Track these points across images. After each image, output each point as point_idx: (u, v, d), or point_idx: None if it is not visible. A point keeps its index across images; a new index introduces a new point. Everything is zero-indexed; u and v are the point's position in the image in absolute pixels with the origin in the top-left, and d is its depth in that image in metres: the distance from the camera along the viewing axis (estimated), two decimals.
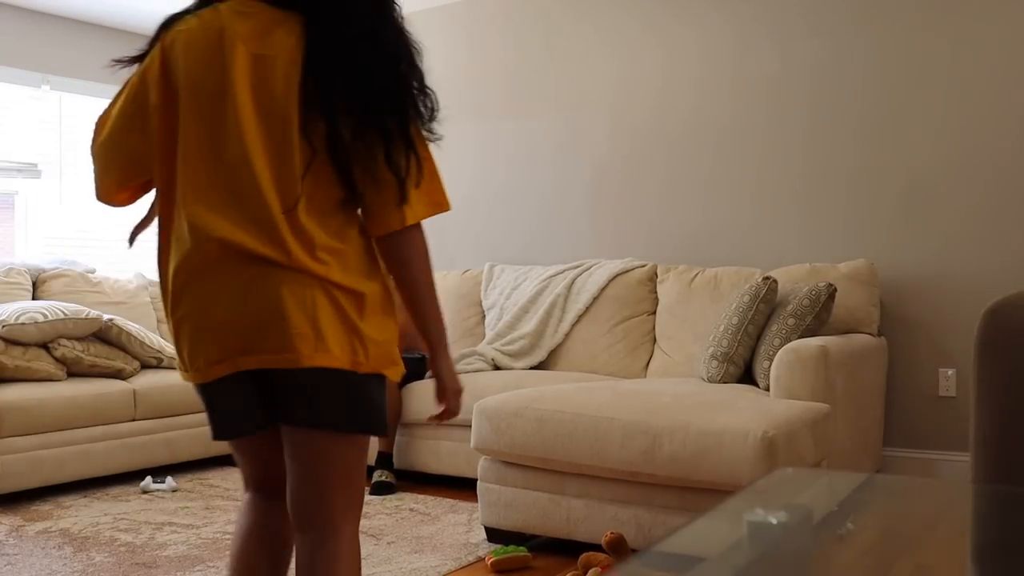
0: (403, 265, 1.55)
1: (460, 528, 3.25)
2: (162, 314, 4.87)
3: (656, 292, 4.19)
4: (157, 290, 4.95)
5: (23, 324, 3.81)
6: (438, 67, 1.63)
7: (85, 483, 4.05)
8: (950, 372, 3.72)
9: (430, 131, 1.55)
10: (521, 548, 2.84)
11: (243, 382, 1.53)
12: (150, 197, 1.69)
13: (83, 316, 4.00)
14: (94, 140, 1.62)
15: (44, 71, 5.14)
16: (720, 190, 4.27)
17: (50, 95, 5.18)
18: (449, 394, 1.69)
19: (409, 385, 4.02)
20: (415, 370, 4.04)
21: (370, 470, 3.93)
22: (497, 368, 4.20)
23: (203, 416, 4.35)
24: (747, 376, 3.40)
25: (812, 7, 4.04)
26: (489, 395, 3.53)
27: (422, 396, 3.93)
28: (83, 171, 5.34)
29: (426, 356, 4.41)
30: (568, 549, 2.97)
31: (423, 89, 1.53)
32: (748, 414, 2.65)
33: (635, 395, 2.93)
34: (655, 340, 4.12)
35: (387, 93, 1.49)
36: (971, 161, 3.70)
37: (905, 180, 3.83)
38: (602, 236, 4.63)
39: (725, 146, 4.27)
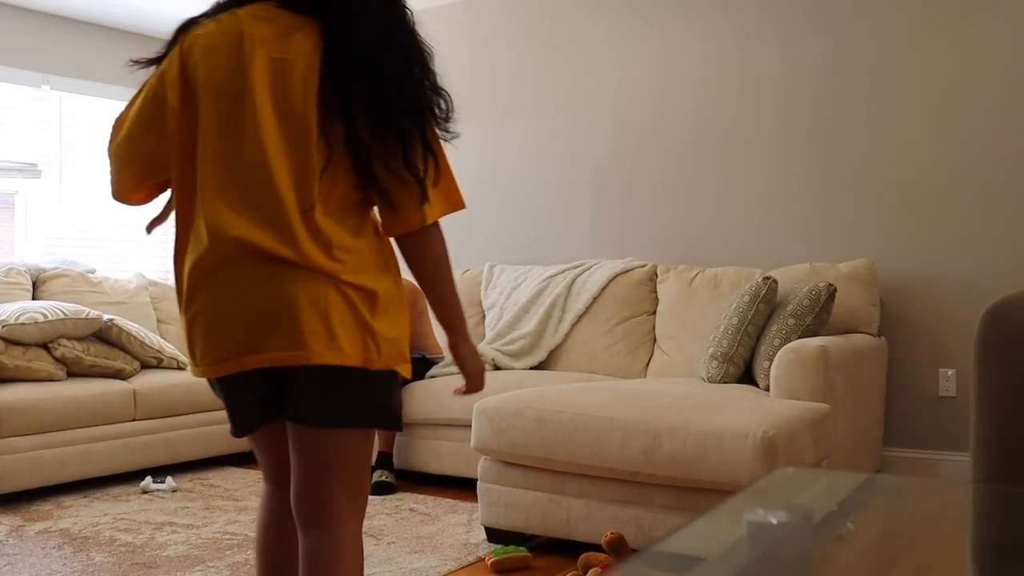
0: (425, 262, 1.61)
1: (460, 528, 3.25)
2: (162, 314, 4.88)
3: (656, 292, 4.19)
4: (157, 290, 4.95)
5: (23, 324, 3.81)
6: (438, 67, 1.68)
7: (85, 483, 4.05)
8: (950, 372, 3.72)
9: (446, 130, 1.59)
10: (521, 548, 2.84)
11: (255, 379, 1.55)
12: (165, 196, 1.72)
13: (83, 316, 4.00)
14: (111, 141, 1.65)
15: (44, 71, 5.14)
16: (720, 190, 4.27)
17: (50, 95, 5.18)
18: (472, 375, 1.74)
19: (409, 385, 4.02)
20: (415, 370, 4.04)
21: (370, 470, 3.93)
22: (497, 368, 4.20)
23: (203, 416, 4.35)
24: (747, 376, 3.40)
25: (813, 7, 4.04)
26: (489, 395, 3.53)
27: (422, 396, 3.93)
28: (83, 171, 5.34)
29: (425, 356, 4.42)
30: (568, 549, 2.97)
31: (437, 89, 1.58)
32: (748, 414, 2.65)
33: (635, 395, 2.93)
34: (655, 340, 4.12)
35: (403, 95, 1.53)
36: (971, 161, 3.70)
37: (906, 180, 3.83)
38: (602, 236, 4.63)
39: (725, 146, 4.27)
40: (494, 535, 3.07)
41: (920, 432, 3.77)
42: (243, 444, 4.55)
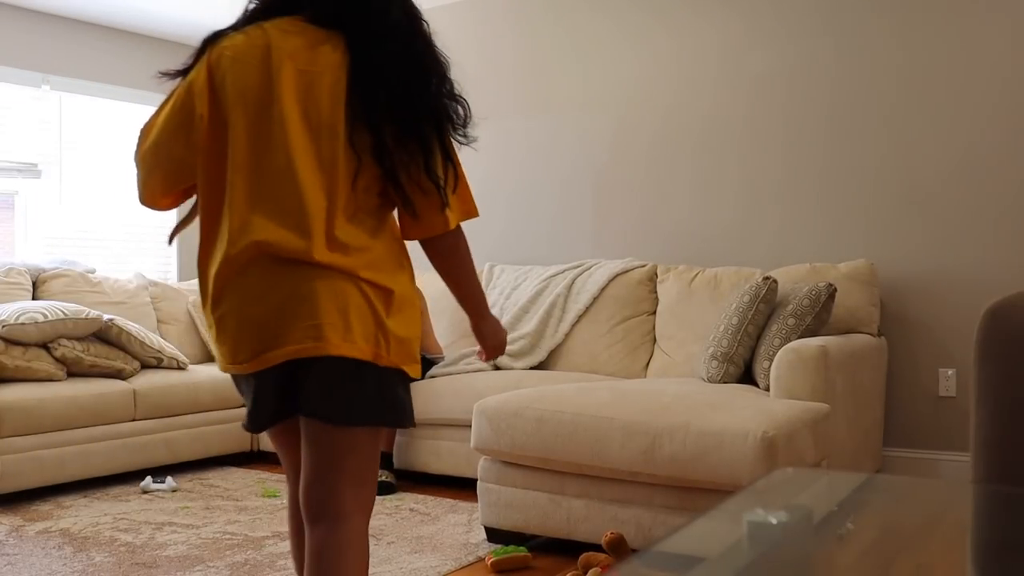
0: (449, 262, 1.72)
1: (460, 528, 3.25)
2: (162, 314, 4.88)
3: (656, 292, 4.19)
4: (157, 290, 4.95)
5: (23, 324, 3.81)
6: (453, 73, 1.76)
7: (85, 483, 4.05)
8: (950, 372, 3.72)
9: (465, 136, 1.67)
10: (521, 548, 2.84)
11: (275, 375, 1.61)
12: (191, 201, 1.78)
13: (83, 316, 4.00)
14: (138, 147, 1.71)
15: (44, 71, 5.14)
16: (720, 190, 4.27)
17: (50, 95, 5.18)
18: (492, 348, 1.85)
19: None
20: None
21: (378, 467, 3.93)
22: (497, 368, 4.20)
23: (203, 416, 4.35)
24: (747, 376, 3.40)
25: (812, 9, 4.04)
26: (489, 395, 3.53)
27: (422, 396, 3.93)
28: (83, 171, 5.34)
29: (425, 356, 4.42)
30: (568, 549, 2.97)
31: (455, 97, 1.66)
32: (748, 414, 2.65)
33: (635, 395, 2.93)
34: (655, 340, 4.12)
35: (424, 105, 1.61)
36: (971, 161, 3.70)
37: (905, 180, 3.84)
38: (602, 236, 4.63)
39: (725, 146, 4.27)
40: (494, 535, 3.07)
41: (920, 432, 3.77)
42: (243, 444, 4.55)
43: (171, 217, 5.20)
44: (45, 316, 3.87)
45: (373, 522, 3.32)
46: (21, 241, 5.11)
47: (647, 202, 4.49)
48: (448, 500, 3.67)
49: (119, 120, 5.51)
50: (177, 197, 1.76)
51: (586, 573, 2.64)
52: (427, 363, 4.16)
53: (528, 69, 4.88)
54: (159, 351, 4.31)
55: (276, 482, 4.04)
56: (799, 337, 3.21)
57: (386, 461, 3.93)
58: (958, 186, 3.72)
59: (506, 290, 4.58)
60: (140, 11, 5.18)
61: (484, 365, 4.18)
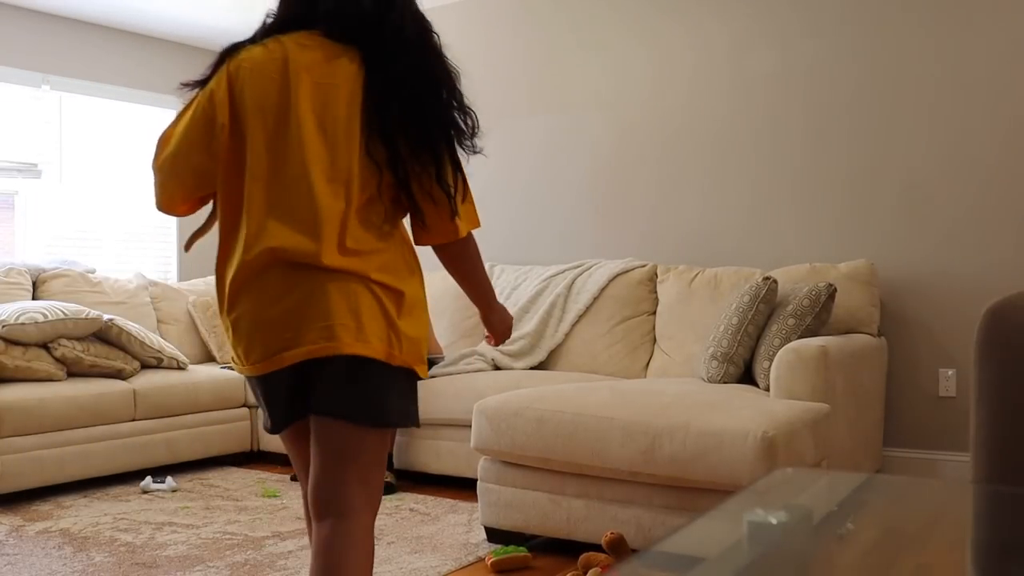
0: (459, 265, 1.80)
1: (460, 528, 3.25)
2: (162, 314, 4.89)
3: (656, 292, 4.19)
4: (157, 290, 4.96)
5: (23, 324, 3.81)
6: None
7: (85, 483, 4.05)
8: (950, 372, 3.72)
9: (472, 147, 1.74)
10: (521, 548, 2.84)
11: (290, 375, 1.66)
12: (207, 208, 1.83)
13: (83, 316, 4.00)
14: (156, 156, 1.75)
15: (44, 71, 5.14)
16: (720, 190, 4.27)
17: (50, 95, 5.18)
18: (500, 333, 1.96)
19: None
20: None
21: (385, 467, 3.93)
22: (497, 368, 4.20)
23: (203, 416, 4.35)
24: (747, 376, 3.40)
25: (810, 7, 4.04)
26: (489, 395, 3.53)
27: (423, 396, 3.93)
28: (83, 171, 5.34)
29: (427, 356, 4.43)
30: (568, 549, 2.97)
31: (464, 108, 1.74)
32: (748, 414, 2.65)
33: (635, 395, 2.93)
34: (655, 340, 4.12)
35: (435, 118, 1.68)
36: (971, 161, 3.70)
37: (905, 180, 3.83)
38: (602, 236, 4.63)
39: (726, 146, 4.27)
40: (494, 535, 3.07)
41: (920, 432, 3.77)
42: (243, 444, 4.55)
43: (171, 218, 5.19)
44: (45, 316, 3.87)
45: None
46: (21, 241, 5.11)
47: (647, 202, 4.49)
48: (448, 500, 3.67)
49: (119, 120, 5.50)
50: (194, 204, 1.81)
51: (586, 573, 2.64)
52: (428, 363, 4.16)
53: (528, 70, 4.88)
54: (159, 351, 4.31)
55: (276, 482, 4.04)
56: (799, 337, 3.21)
57: (386, 461, 3.93)
58: (958, 187, 3.72)
59: (506, 290, 4.59)
60: (140, 11, 5.18)
61: (484, 365, 4.19)
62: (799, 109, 4.07)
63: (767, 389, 3.19)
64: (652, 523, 2.73)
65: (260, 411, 1.80)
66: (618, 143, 4.58)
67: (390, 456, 3.97)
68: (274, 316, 1.61)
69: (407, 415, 1.71)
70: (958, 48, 3.72)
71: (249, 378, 1.73)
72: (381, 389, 1.65)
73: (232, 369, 4.67)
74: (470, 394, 3.76)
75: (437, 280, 4.66)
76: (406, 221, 1.77)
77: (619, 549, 2.63)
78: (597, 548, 2.83)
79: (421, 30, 1.73)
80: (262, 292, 1.63)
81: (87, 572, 2.80)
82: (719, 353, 3.34)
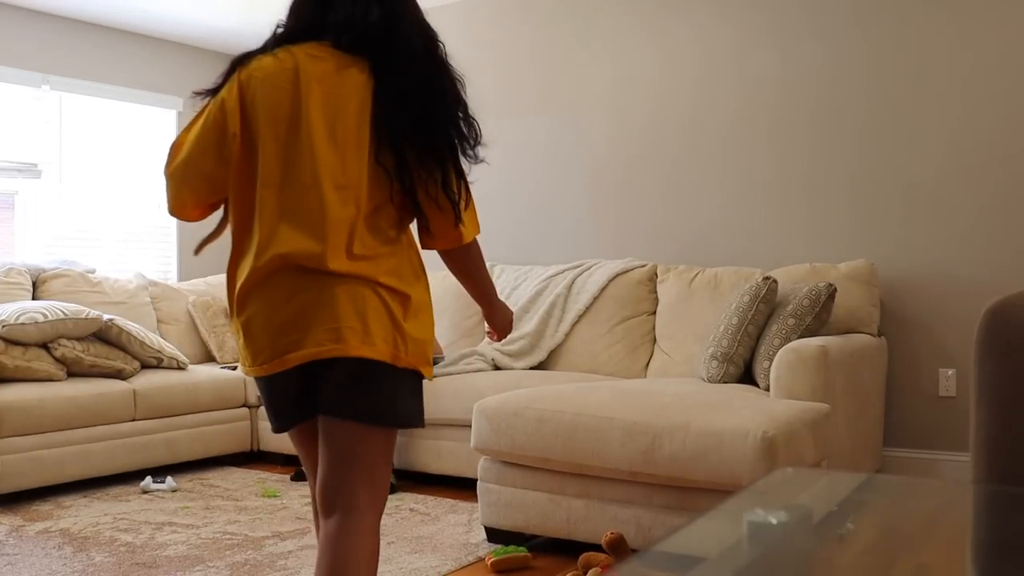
0: (463, 268, 1.86)
1: (460, 528, 3.25)
2: (162, 314, 4.89)
3: (656, 292, 4.19)
4: (157, 290, 4.96)
5: (23, 324, 3.81)
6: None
7: (85, 483, 4.05)
8: (950, 372, 3.72)
9: (475, 155, 1.78)
10: (521, 548, 2.84)
11: (297, 376, 1.70)
12: (218, 214, 1.87)
13: (83, 316, 4.00)
14: (168, 163, 1.78)
15: (44, 71, 5.14)
16: (721, 190, 4.27)
17: (50, 95, 5.18)
18: (501, 328, 2.01)
19: None
20: None
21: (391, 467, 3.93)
22: (497, 368, 4.20)
23: (203, 416, 4.35)
24: (747, 376, 3.40)
25: (813, 9, 4.04)
26: (489, 395, 3.53)
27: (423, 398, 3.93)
28: (83, 171, 5.34)
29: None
30: (568, 549, 2.97)
31: (468, 118, 1.78)
32: (748, 414, 2.65)
33: (635, 395, 2.93)
34: (655, 340, 4.12)
35: (441, 128, 1.73)
36: (971, 161, 3.70)
37: (905, 180, 3.84)
38: (602, 236, 4.63)
39: (726, 147, 4.27)
40: (494, 535, 3.07)
41: (920, 432, 3.77)
42: (243, 444, 4.55)
43: (171, 218, 5.19)
44: (45, 316, 3.87)
45: None
46: (21, 241, 5.11)
47: (647, 202, 4.49)
48: (448, 500, 3.67)
49: (119, 120, 5.50)
50: (206, 209, 1.84)
51: (586, 573, 2.64)
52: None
53: (531, 70, 4.88)
54: (159, 351, 4.31)
55: (276, 482, 4.04)
56: (799, 337, 3.21)
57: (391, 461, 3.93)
58: (958, 186, 3.72)
59: (506, 290, 4.59)
60: (140, 11, 5.18)
61: (484, 365, 4.19)
62: (801, 110, 4.07)
63: (767, 389, 3.19)
64: (652, 523, 2.73)
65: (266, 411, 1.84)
66: (619, 143, 4.58)
67: None
68: (283, 318, 1.65)
69: (413, 415, 1.74)
70: (961, 49, 3.72)
71: (257, 379, 1.76)
72: (388, 390, 1.68)
73: (233, 369, 4.67)
74: (470, 394, 3.76)
75: (437, 280, 4.66)
76: (413, 227, 1.81)
77: (619, 549, 2.63)
78: (597, 548, 2.83)
79: (428, 41, 1.77)
80: (272, 295, 1.67)
81: (87, 572, 2.80)
82: (719, 353, 3.34)
